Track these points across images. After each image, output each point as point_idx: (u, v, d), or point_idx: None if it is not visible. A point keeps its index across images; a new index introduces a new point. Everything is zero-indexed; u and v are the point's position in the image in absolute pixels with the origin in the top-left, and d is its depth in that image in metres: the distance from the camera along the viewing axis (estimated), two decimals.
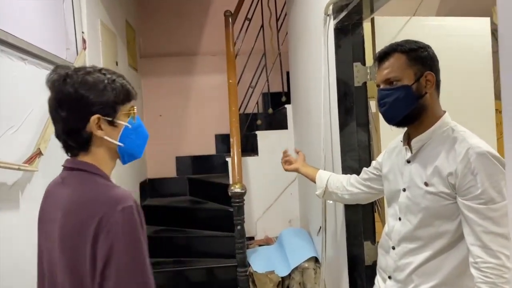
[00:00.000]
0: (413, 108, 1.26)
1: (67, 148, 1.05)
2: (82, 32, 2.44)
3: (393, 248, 1.38)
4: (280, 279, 2.73)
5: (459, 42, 2.21)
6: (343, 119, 2.14)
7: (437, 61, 1.31)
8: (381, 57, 1.33)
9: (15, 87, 1.63)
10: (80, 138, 1.01)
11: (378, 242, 2.16)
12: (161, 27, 4.36)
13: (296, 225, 3.44)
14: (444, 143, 1.25)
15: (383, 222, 2.29)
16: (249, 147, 3.65)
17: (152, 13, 4.34)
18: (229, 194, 2.67)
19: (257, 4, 3.66)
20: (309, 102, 2.79)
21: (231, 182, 3.26)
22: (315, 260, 2.75)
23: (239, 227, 2.65)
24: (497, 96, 2.36)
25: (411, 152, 1.33)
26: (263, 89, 3.74)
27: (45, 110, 1.10)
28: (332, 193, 1.79)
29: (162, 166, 4.26)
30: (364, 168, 1.70)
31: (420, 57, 1.28)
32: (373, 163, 1.65)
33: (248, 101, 3.84)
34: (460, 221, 1.21)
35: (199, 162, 4.29)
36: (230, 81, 3.14)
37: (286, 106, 3.50)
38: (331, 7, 2.10)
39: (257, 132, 3.48)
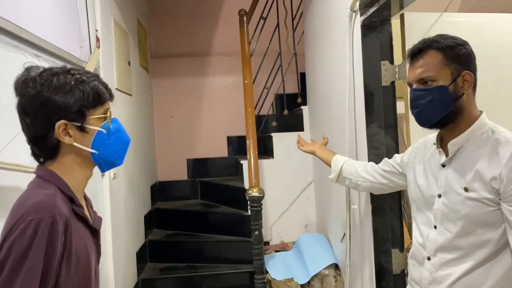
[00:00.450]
0: (449, 111, 1.18)
1: (34, 155, 0.99)
2: (96, 30, 2.36)
3: (429, 258, 1.27)
4: (299, 287, 2.62)
5: (490, 38, 2.11)
6: (370, 121, 2.04)
7: (474, 58, 1.22)
8: (415, 53, 1.23)
9: None
10: (46, 146, 0.95)
11: (406, 249, 2.07)
12: (173, 27, 4.28)
13: (312, 230, 3.34)
14: (485, 146, 1.16)
15: (409, 229, 2.18)
16: (264, 150, 3.55)
17: (164, 13, 4.26)
18: (247, 198, 2.58)
19: (272, 3, 3.57)
20: (330, 103, 2.69)
21: (246, 185, 3.18)
22: (335, 267, 2.64)
23: (256, 232, 2.56)
24: None
25: (446, 156, 1.24)
26: (278, 90, 3.64)
27: None
28: (345, 178, 1.78)
29: (172, 169, 4.17)
30: (386, 159, 1.62)
31: (458, 55, 1.18)
32: (397, 158, 1.56)
33: (263, 103, 3.74)
34: (504, 228, 1.12)
35: (211, 165, 4.21)
36: (246, 81, 3.05)
37: (302, 107, 3.40)
38: (358, 3, 2.01)
39: (273, 134, 3.38)
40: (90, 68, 2.14)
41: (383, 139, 2.02)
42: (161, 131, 4.19)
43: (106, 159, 1.02)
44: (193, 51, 4.28)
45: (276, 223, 3.33)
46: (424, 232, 1.31)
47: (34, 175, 1.00)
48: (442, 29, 2.04)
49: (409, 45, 1.98)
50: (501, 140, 1.14)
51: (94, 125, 0.98)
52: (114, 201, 2.44)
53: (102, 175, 2.34)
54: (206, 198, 3.89)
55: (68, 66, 1.01)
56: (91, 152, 0.99)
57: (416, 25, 1.98)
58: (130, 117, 3.07)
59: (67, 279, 0.89)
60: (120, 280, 2.52)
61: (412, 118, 1.96)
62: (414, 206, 1.39)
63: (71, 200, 0.96)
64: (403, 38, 1.98)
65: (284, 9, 3.59)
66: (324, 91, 2.85)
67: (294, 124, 3.52)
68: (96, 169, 1.05)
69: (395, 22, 2.02)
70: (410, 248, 2.07)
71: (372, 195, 2.03)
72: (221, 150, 4.28)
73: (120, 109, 2.76)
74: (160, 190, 4.02)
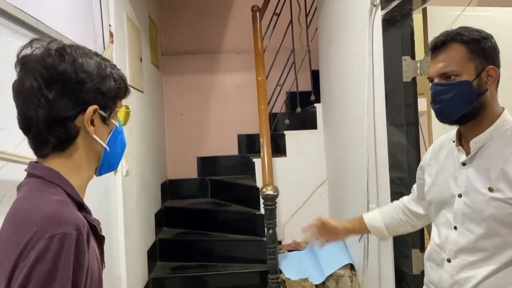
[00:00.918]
0: (472, 107, 1.12)
1: (38, 144, 0.81)
2: (109, 25, 2.34)
3: (449, 260, 1.21)
4: (314, 287, 2.58)
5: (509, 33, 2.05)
6: (390, 118, 1.99)
7: (499, 53, 1.16)
8: (438, 46, 1.16)
9: None
10: (64, 133, 0.80)
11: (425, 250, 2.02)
12: (184, 24, 4.24)
13: None
14: (509, 144, 1.11)
15: (428, 229, 2.13)
16: (276, 148, 3.51)
17: (175, 9, 4.23)
18: (260, 196, 2.54)
19: None
20: (345, 101, 2.64)
21: (257, 183, 3.14)
22: (351, 267, 2.60)
23: (270, 231, 2.52)
24: None
25: (467, 154, 1.18)
26: (290, 88, 3.59)
27: None
28: (394, 231, 1.53)
29: (182, 167, 4.14)
30: (413, 187, 1.49)
31: (483, 49, 1.13)
32: (418, 172, 1.46)
33: (276, 101, 3.70)
34: None
35: (221, 163, 4.17)
36: (259, 78, 3.02)
37: (315, 105, 3.36)
38: None
39: (285, 132, 3.34)
40: None
41: (404, 137, 1.97)
42: (171, 128, 4.16)
43: (111, 160, 0.90)
44: (204, 49, 4.25)
45: (288, 222, 3.28)
46: (442, 233, 1.25)
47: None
48: (465, 24, 1.99)
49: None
50: None
51: (114, 119, 0.88)
52: (126, 198, 2.42)
53: (115, 172, 2.31)
54: (216, 197, 3.85)
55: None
56: (104, 149, 0.87)
57: (438, 20, 1.93)
58: (142, 114, 3.05)
59: None
60: (132, 279, 2.49)
61: (434, 115, 1.93)
62: (432, 208, 1.33)
63: (80, 206, 0.82)
64: (426, 33, 1.93)
65: (298, 5, 3.54)
66: (339, 88, 2.80)
67: (307, 122, 3.47)
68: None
69: (417, 16, 1.98)
70: None
71: (391, 194, 1.99)
72: (231, 148, 4.24)
73: (132, 106, 2.72)
74: (170, 189, 3.99)
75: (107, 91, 0.83)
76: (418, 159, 1.97)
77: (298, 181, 3.29)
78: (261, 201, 2.68)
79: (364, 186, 2.21)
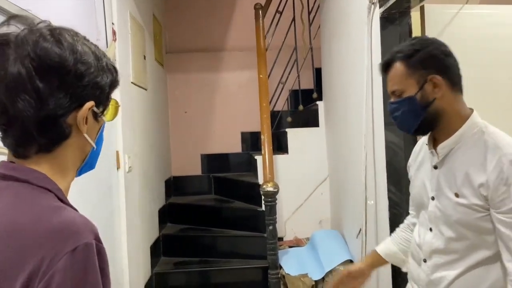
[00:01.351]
0: (422, 119, 1.14)
1: (21, 144, 0.68)
2: (112, 24, 2.37)
3: (425, 261, 1.24)
4: (314, 283, 2.61)
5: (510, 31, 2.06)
6: (388, 115, 2.00)
7: (446, 56, 1.14)
8: (384, 68, 1.20)
9: None
10: (57, 133, 0.68)
11: None
12: (188, 21, 4.28)
13: (326, 226, 3.31)
14: (475, 148, 1.11)
15: None
16: (278, 145, 3.53)
17: (179, 8, 4.27)
18: (261, 193, 2.57)
19: None
20: (346, 98, 2.66)
21: (260, 180, 3.17)
22: (350, 263, 2.62)
23: (271, 227, 2.55)
24: None
25: (438, 157, 1.19)
26: (293, 86, 3.61)
27: None
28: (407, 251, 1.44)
29: (186, 164, 4.18)
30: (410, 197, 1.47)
31: (420, 61, 1.13)
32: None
33: (278, 98, 3.72)
34: None
35: (225, 160, 4.20)
36: (261, 76, 3.04)
37: (317, 103, 3.37)
38: None
39: (287, 130, 3.36)
40: None
41: (401, 134, 1.99)
42: (175, 126, 4.20)
43: (94, 159, 0.79)
44: (208, 47, 4.28)
45: (290, 219, 3.31)
46: (421, 233, 1.27)
47: None
48: (463, 22, 2.01)
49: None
50: (489, 144, 1.09)
51: (104, 116, 0.77)
52: (128, 194, 2.45)
53: (117, 168, 2.35)
54: (220, 194, 3.89)
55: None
56: (92, 148, 0.76)
57: (436, 18, 1.94)
58: (145, 111, 3.08)
59: None
60: (134, 273, 2.53)
61: None
62: (414, 207, 1.36)
63: None
64: (423, 31, 1.94)
65: (300, 3, 3.56)
66: (340, 85, 2.82)
67: (309, 119, 3.49)
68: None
69: (415, 14, 1.99)
70: None
71: (389, 190, 2.00)
72: (235, 146, 4.27)
73: (135, 103, 2.77)
74: (175, 185, 4.03)
75: (104, 85, 0.72)
76: None
77: (300, 178, 3.31)
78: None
79: (362, 183, 2.22)
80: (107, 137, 2.14)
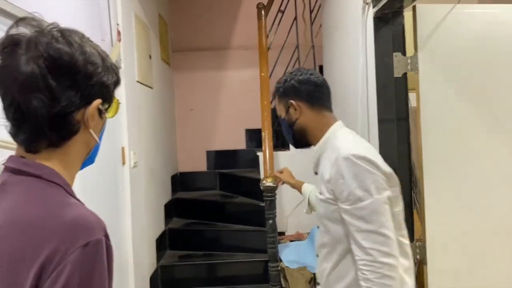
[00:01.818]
0: (292, 134, 1.43)
1: (33, 139, 0.71)
2: (117, 24, 2.45)
3: (317, 255, 1.42)
4: (312, 275, 2.68)
5: (505, 30, 2.09)
6: (382, 112, 2.06)
7: (304, 84, 1.38)
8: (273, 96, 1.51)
9: None
10: (67, 129, 0.72)
11: (416, 240, 2.09)
12: (193, 21, 4.36)
13: None
14: (328, 151, 1.32)
15: (421, 220, 2.19)
16: (281, 142, 3.60)
17: (184, 7, 4.35)
18: (261, 188, 2.64)
19: None
20: (345, 96, 2.71)
21: (262, 176, 3.23)
22: None
23: (270, 221, 2.62)
24: None
25: (315, 164, 1.43)
26: None
27: None
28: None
29: (192, 160, 4.28)
30: None
31: (284, 92, 1.42)
32: None
33: None
34: None
35: (229, 157, 4.29)
36: (262, 74, 3.11)
37: None
38: None
39: None
40: None
41: (395, 131, 2.04)
42: (181, 123, 4.30)
43: (95, 154, 0.83)
44: (213, 45, 4.36)
45: (291, 214, 3.38)
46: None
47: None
48: (456, 21, 2.04)
49: (421, 37, 2.00)
50: (333, 146, 1.30)
51: (107, 113, 0.82)
52: (134, 188, 2.55)
53: (123, 163, 2.44)
54: (224, 189, 3.98)
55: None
56: (96, 143, 0.80)
57: (428, 17, 1.98)
58: (151, 109, 3.18)
59: None
60: (139, 266, 2.63)
61: (423, 111, 2.00)
62: None
63: None
64: (415, 30, 1.98)
65: (302, 2, 3.61)
66: (340, 84, 2.87)
67: None
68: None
69: (408, 14, 2.03)
70: (420, 238, 2.10)
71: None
72: (239, 143, 4.35)
73: (141, 102, 2.86)
74: (181, 181, 4.13)
75: (109, 84, 0.77)
76: (408, 153, 2.05)
77: (302, 174, 3.33)
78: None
79: None
80: (113, 134, 2.25)
